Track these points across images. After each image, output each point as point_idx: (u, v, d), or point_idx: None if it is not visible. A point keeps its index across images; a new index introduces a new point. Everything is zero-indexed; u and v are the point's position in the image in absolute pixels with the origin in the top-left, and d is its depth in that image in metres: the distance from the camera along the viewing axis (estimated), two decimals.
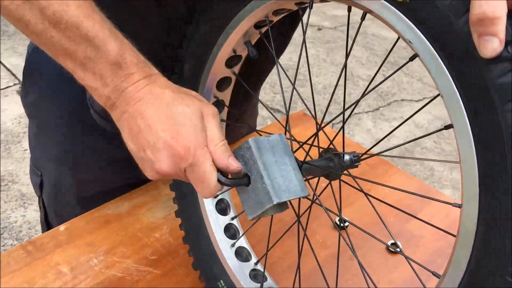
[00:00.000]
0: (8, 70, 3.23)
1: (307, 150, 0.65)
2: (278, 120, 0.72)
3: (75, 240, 0.87)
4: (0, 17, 0.57)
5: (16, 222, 2.19)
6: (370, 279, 0.60)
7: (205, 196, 0.57)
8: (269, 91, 3.23)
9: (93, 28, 0.55)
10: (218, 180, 0.56)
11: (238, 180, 0.57)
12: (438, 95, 0.46)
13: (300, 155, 0.63)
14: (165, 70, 0.82)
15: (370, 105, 3.27)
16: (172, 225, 0.92)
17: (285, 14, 0.65)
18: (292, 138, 0.64)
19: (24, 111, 0.97)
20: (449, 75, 0.43)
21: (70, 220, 0.92)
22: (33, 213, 2.23)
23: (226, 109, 0.78)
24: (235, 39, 0.67)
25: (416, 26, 0.44)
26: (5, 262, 0.82)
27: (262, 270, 0.76)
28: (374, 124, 3.10)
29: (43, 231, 1.06)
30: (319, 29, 4.16)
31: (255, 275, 0.75)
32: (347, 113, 0.62)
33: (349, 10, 0.56)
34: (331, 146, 0.63)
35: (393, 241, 0.92)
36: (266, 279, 0.75)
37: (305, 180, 0.60)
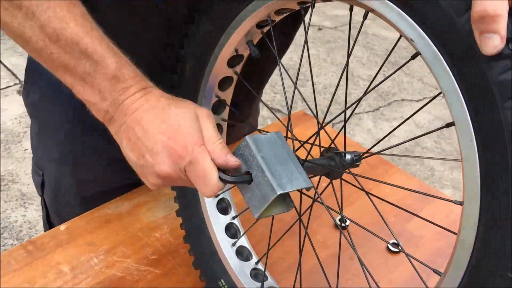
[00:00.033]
0: (9, 70, 3.23)
1: (308, 149, 0.65)
2: (279, 120, 0.73)
3: (75, 240, 0.87)
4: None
5: (16, 222, 2.19)
6: (372, 278, 0.60)
7: (208, 195, 0.56)
8: (269, 91, 3.23)
9: (92, 44, 0.56)
10: (220, 178, 0.56)
11: (240, 177, 0.57)
12: (439, 94, 0.46)
13: (301, 154, 0.63)
14: (166, 70, 0.82)
15: (371, 105, 3.27)
16: (172, 225, 0.92)
17: (287, 14, 0.65)
18: (294, 138, 0.65)
19: (26, 111, 0.97)
20: (450, 72, 0.43)
21: (73, 218, 0.92)
22: (33, 213, 2.24)
23: (227, 108, 0.78)
24: (237, 38, 0.67)
25: (418, 25, 0.44)
26: (5, 261, 0.82)
27: (263, 270, 0.76)
28: (375, 124, 3.10)
29: (45, 231, 1.06)
30: (320, 29, 4.16)
31: (255, 274, 0.75)
32: (348, 112, 0.62)
33: (351, 9, 0.56)
34: (332, 145, 0.64)
35: (393, 241, 0.92)
36: (266, 279, 0.75)
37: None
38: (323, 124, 0.63)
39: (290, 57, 3.50)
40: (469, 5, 0.40)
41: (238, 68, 0.74)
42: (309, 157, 0.63)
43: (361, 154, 0.62)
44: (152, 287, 0.81)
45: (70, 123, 0.91)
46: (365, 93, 0.59)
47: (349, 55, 0.57)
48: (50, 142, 0.95)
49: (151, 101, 0.58)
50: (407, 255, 0.58)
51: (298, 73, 0.63)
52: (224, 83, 0.74)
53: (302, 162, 0.60)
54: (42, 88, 0.91)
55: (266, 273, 0.76)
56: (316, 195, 0.63)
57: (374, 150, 0.61)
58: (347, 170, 0.62)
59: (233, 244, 0.77)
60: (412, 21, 0.45)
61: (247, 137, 0.57)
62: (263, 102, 0.71)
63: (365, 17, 0.52)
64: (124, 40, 0.80)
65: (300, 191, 0.62)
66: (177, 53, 0.75)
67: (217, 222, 0.77)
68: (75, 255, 0.85)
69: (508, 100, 0.40)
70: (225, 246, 0.76)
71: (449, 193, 2.61)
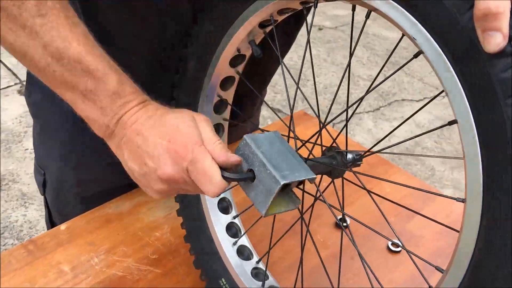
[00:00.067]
0: (9, 69, 3.23)
1: (309, 149, 0.65)
2: (281, 119, 0.73)
3: (76, 239, 0.87)
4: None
5: (17, 222, 2.19)
6: (375, 277, 0.60)
7: (212, 194, 0.56)
8: (270, 91, 3.23)
9: (94, 62, 0.58)
10: (223, 177, 0.56)
11: (243, 174, 0.57)
12: (441, 93, 0.46)
13: (303, 154, 0.63)
14: (166, 70, 0.82)
15: (371, 105, 3.27)
16: (173, 224, 0.92)
17: (289, 14, 0.65)
18: (293, 137, 0.65)
19: (28, 110, 0.98)
20: (453, 70, 0.43)
21: (74, 218, 0.92)
22: (34, 213, 2.24)
23: (229, 108, 0.78)
24: (239, 38, 0.67)
25: (420, 23, 0.45)
26: (6, 261, 0.82)
27: (263, 269, 0.76)
28: (375, 124, 3.10)
29: (48, 230, 1.06)
30: (320, 29, 4.16)
31: (256, 274, 0.76)
32: (350, 111, 0.62)
33: (353, 9, 0.56)
34: (334, 145, 0.64)
35: (396, 241, 0.92)
36: (267, 278, 0.75)
37: None
38: (324, 124, 0.63)
39: (290, 57, 3.51)
40: (471, 3, 0.40)
41: (240, 68, 0.74)
42: (311, 156, 0.63)
43: (364, 152, 0.62)
44: (152, 286, 0.81)
45: (71, 123, 0.91)
46: (367, 92, 0.59)
47: (351, 55, 0.57)
48: (51, 142, 0.95)
49: (149, 112, 0.60)
50: (408, 251, 0.58)
51: (300, 73, 0.63)
52: (226, 82, 0.74)
53: (304, 160, 0.60)
54: (44, 88, 0.91)
55: (267, 272, 0.76)
56: (318, 193, 0.63)
57: (374, 149, 0.62)
58: (352, 169, 0.63)
59: (234, 244, 0.77)
60: (415, 20, 0.45)
61: (245, 136, 0.58)
62: (266, 103, 0.71)
63: (367, 16, 0.52)
64: (124, 40, 0.80)
65: (303, 189, 0.62)
66: (179, 52, 0.75)
67: (218, 222, 0.78)
68: (76, 255, 0.85)
69: (510, 97, 0.40)
70: (226, 246, 0.76)
71: (449, 193, 2.61)
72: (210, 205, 0.78)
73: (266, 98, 3.36)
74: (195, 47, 0.73)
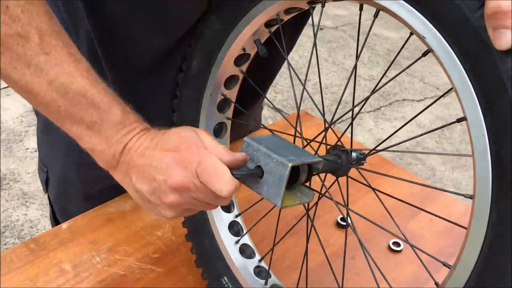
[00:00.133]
0: None
1: (313, 148, 0.65)
2: (286, 118, 0.73)
3: (77, 238, 0.88)
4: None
5: (17, 221, 2.20)
6: (383, 276, 0.60)
7: (226, 192, 0.55)
8: (271, 91, 3.23)
9: (98, 94, 0.60)
10: (232, 175, 0.56)
11: (252, 170, 0.57)
12: (448, 91, 0.47)
13: None
14: (167, 67, 0.82)
15: (372, 105, 3.27)
16: (174, 224, 0.92)
17: (295, 13, 0.65)
18: (299, 136, 0.65)
19: (30, 110, 0.98)
20: (462, 68, 0.44)
21: (75, 217, 0.92)
22: (35, 212, 2.24)
23: (232, 107, 0.78)
24: (245, 37, 0.67)
25: (430, 22, 0.46)
26: (8, 259, 0.82)
27: (266, 267, 0.77)
28: (376, 124, 3.10)
29: (52, 227, 1.07)
30: (321, 29, 4.16)
31: (259, 272, 0.76)
32: (355, 110, 0.63)
33: (361, 8, 0.56)
34: (338, 143, 0.64)
35: (396, 240, 0.92)
36: (270, 276, 0.76)
37: (314, 174, 0.60)
38: (330, 123, 0.64)
39: (291, 57, 3.51)
40: (482, 2, 0.42)
41: (244, 67, 0.74)
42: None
43: (369, 151, 0.63)
44: (154, 285, 0.81)
45: None
46: (373, 91, 0.59)
47: (357, 56, 0.57)
48: (54, 140, 0.95)
49: (152, 135, 0.62)
50: (412, 246, 0.58)
51: (307, 73, 0.64)
52: (230, 81, 0.75)
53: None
54: None
55: (270, 270, 0.76)
56: (324, 190, 0.64)
57: (378, 149, 0.62)
58: (359, 167, 0.63)
59: (237, 242, 0.77)
60: (424, 19, 0.46)
61: (245, 138, 0.58)
62: (270, 102, 0.72)
63: (376, 15, 0.53)
64: (130, 36, 0.80)
65: (309, 186, 0.62)
66: (183, 49, 0.76)
67: (220, 220, 0.78)
68: (77, 254, 0.85)
69: None
70: (229, 244, 0.77)
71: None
72: None
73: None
74: (200, 45, 0.73)
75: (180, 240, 0.88)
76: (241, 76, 0.75)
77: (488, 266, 0.46)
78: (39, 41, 0.57)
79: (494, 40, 0.41)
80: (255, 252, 0.78)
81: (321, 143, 0.65)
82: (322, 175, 0.65)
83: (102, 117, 0.60)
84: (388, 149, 0.61)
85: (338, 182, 0.65)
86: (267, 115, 2.93)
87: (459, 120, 0.47)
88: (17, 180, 2.39)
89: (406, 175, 1.14)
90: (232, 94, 0.77)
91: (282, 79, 3.30)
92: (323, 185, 0.64)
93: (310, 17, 0.66)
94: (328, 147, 0.65)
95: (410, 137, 0.56)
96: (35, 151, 2.51)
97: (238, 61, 0.72)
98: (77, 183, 0.97)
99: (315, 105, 0.69)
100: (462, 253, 0.48)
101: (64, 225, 0.90)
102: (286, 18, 0.66)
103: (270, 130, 0.73)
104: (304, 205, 0.66)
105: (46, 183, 1.01)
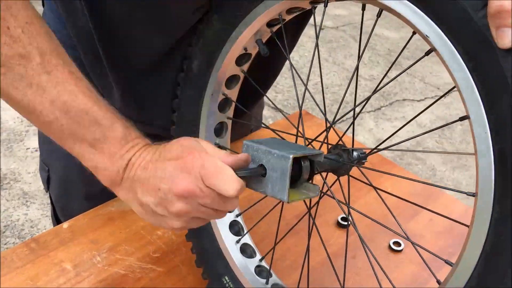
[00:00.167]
0: None
1: (314, 147, 0.66)
2: (287, 118, 0.73)
3: (78, 238, 0.88)
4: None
5: (18, 221, 2.20)
6: (386, 276, 0.60)
7: (233, 191, 0.55)
8: (271, 90, 3.23)
9: (100, 111, 0.60)
10: (237, 174, 0.56)
11: (255, 168, 0.57)
12: (452, 89, 0.47)
13: None
14: (168, 67, 0.82)
15: (372, 105, 3.27)
16: None
17: (297, 13, 0.65)
18: (300, 136, 0.65)
19: None
20: (465, 67, 0.45)
21: (76, 216, 0.92)
22: (35, 212, 2.24)
23: (233, 106, 0.78)
24: (247, 37, 0.67)
25: (433, 21, 0.46)
26: (8, 259, 0.82)
27: (267, 267, 0.77)
28: (376, 124, 3.10)
29: (54, 226, 1.07)
30: (321, 29, 4.17)
31: (259, 271, 0.76)
32: (356, 110, 0.63)
33: (363, 8, 0.57)
34: (340, 143, 0.64)
35: (398, 238, 0.92)
36: (271, 275, 0.76)
37: (317, 173, 0.60)
38: (332, 123, 0.64)
39: (291, 56, 3.50)
40: (485, 1, 0.42)
41: (245, 67, 0.74)
42: None
43: (371, 150, 0.63)
44: (154, 285, 0.81)
45: None
46: (374, 91, 0.59)
47: (359, 57, 0.57)
48: None
49: (154, 149, 0.62)
50: (413, 243, 0.58)
51: (309, 73, 0.64)
52: (231, 81, 0.75)
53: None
54: None
55: (271, 270, 0.76)
56: (326, 188, 0.64)
57: (379, 149, 0.62)
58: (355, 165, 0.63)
59: (237, 241, 0.77)
60: (428, 18, 0.46)
61: (245, 141, 0.59)
62: (271, 101, 0.72)
63: (379, 15, 0.53)
64: (130, 36, 0.80)
65: (312, 178, 0.62)
66: (183, 48, 0.76)
67: (220, 220, 0.78)
68: (78, 253, 0.85)
69: None
70: (230, 244, 0.77)
71: (450, 192, 2.61)
72: None
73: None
74: (202, 45, 0.73)
75: (181, 240, 0.88)
76: (242, 75, 0.75)
77: (490, 264, 0.46)
78: (40, 60, 0.57)
79: (497, 38, 0.42)
80: (256, 252, 0.78)
81: (322, 142, 0.65)
82: (324, 174, 0.65)
83: (105, 134, 0.60)
84: (389, 148, 0.61)
85: (339, 181, 0.65)
86: (268, 115, 2.93)
87: (461, 119, 0.48)
88: (18, 180, 2.39)
89: (407, 174, 1.15)
90: (233, 93, 0.77)
91: (282, 79, 3.30)
92: (324, 183, 0.64)
93: (312, 18, 0.66)
94: (329, 146, 0.65)
95: (410, 137, 0.56)
96: (36, 150, 2.52)
97: (240, 60, 0.72)
98: (78, 182, 0.97)
99: (317, 105, 0.69)
100: (464, 251, 0.49)
101: (64, 225, 0.90)
102: (288, 18, 0.66)
103: (272, 130, 0.73)
104: (305, 204, 0.66)
105: (47, 183, 1.02)
